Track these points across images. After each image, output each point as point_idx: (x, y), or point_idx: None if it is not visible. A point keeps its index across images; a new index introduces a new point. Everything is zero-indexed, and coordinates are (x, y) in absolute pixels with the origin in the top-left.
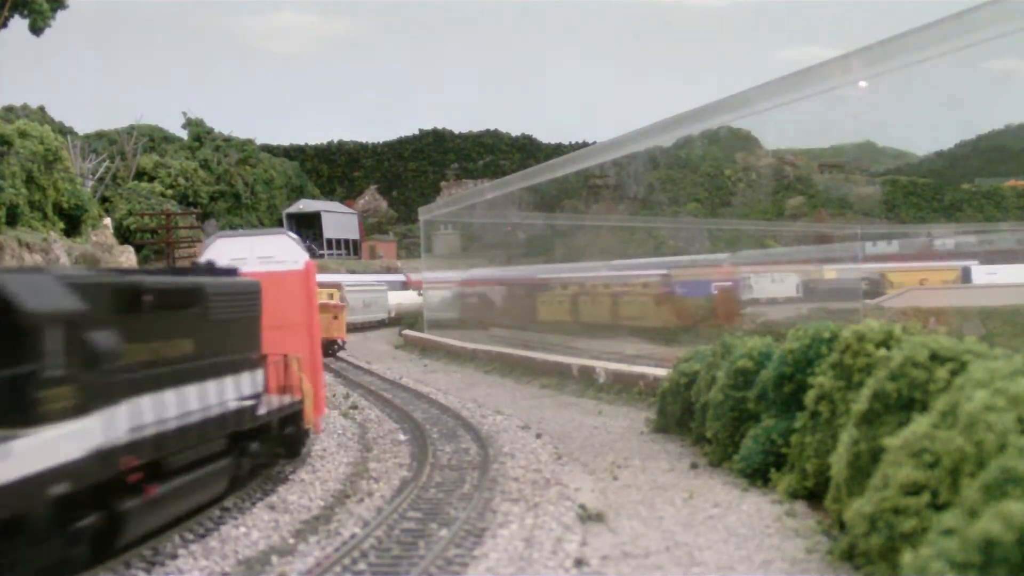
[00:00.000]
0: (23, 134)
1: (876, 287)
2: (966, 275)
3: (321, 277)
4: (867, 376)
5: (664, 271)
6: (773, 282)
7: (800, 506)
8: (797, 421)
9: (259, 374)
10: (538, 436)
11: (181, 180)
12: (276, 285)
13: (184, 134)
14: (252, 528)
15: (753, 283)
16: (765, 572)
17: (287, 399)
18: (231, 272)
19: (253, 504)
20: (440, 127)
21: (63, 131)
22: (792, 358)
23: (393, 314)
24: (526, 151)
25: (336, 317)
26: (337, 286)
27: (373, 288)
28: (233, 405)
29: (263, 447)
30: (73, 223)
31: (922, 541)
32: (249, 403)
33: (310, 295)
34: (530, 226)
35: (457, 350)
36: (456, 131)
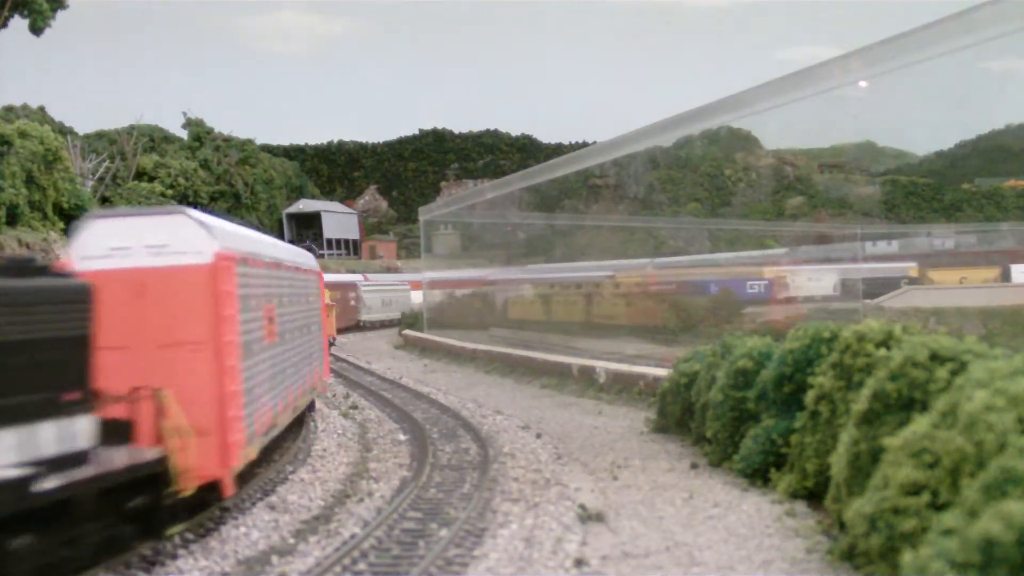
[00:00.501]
0: (23, 134)
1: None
2: (1005, 274)
3: (339, 277)
4: (867, 376)
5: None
6: (810, 280)
7: (800, 506)
8: (797, 421)
9: (79, 423)
10: (538, 436)
11: (181, 180)
12: (167, 286)
13: (184, 134)
14: (252, 528)
15: (790, 281)
16: (765, 572)
17: (126, 456)
18: (38, 271)
19: (253, 504)
20: (440, 127)
21: (63, 131)
22: (792, 358)
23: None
24: (526, 151)
25: (327, 316)
26: (353, 286)
27: (394, 288)
28: None
29: (59, 537)
30: (73, 223)
31: (922, 541)
32: (14, 474)
33: (221, 301)
34: (530, 226)
35: (457, 350)
36: (456, 131)
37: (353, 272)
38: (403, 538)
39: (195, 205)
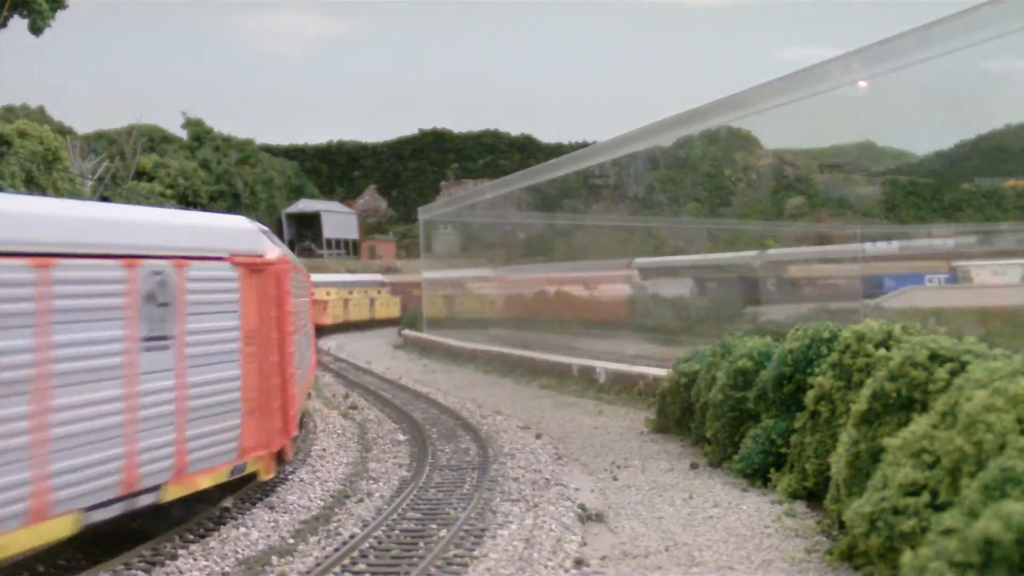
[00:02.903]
0: (23, 134)
1: None
2: None
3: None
4: (867, 376)
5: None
6: (995, 274)
7: (800, 506)
8: (797, 421)
9: None
10: (538, 436)
11: (181, 180)
12: None
13: (184, 134)
14: (252, 528)
15: (974, 274)
16: (765, 572)
17: None
18: None
19: (253, 504)
20: (440, 127)
21: (63, 131)
22: (792, 358)
23: None
24: (526, 151)
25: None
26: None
27: None
28: None
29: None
30: None
31: (922, 541)
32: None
33: None
34: (529, 225)
35: (456, 350)
36: (456, 131)
37: (353, 272)
38: (403, 538)
39: (195, 205)
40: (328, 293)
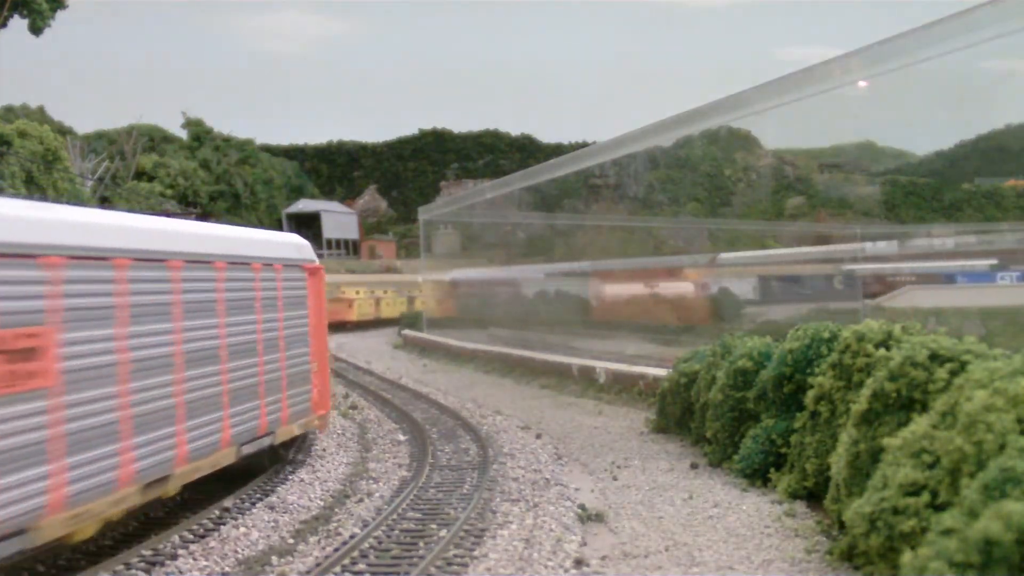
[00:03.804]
0: (23, 134)
1: None
2: None
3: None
4: (867, 376)
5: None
6: None
7: (800, 506)
8: (797, 421)
9: None
10: (538, 436)
11: (181, 180)
12: None
13: (184, 134)
14: (252, 528)
15: None
16: (765, 572)
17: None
18: None
19: (253, 504)
20: (440, 127)
21: (63, 131)
22: (792, 358)
23: None
24: (526, 151)
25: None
26: None
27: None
28: None
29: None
30: None
31: (922, 541)
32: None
33: None
34: (529, 225)
35: (456, 350)
36: (456, 131)
37: (352, 272)
38: (403, 538)
39: (195, 205)
40: (357, 292)
